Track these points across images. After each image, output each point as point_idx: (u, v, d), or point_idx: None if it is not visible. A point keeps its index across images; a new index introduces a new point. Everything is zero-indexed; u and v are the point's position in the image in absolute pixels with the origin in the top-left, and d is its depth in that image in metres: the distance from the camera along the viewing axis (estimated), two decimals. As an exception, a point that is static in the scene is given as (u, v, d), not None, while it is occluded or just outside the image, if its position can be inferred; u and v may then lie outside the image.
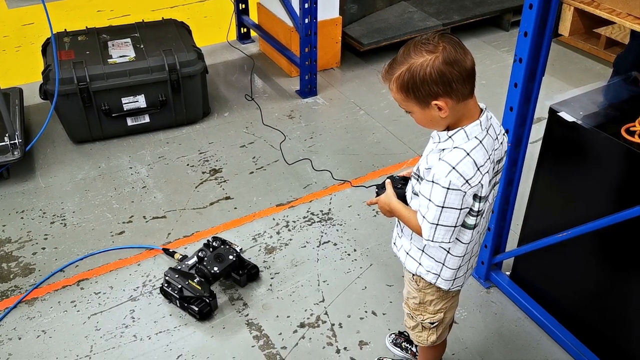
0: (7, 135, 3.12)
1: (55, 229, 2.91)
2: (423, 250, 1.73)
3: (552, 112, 2.05)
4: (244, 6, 4.62)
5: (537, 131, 2.33)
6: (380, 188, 1.78)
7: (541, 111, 2.22)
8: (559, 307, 2.33)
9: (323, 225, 2.92)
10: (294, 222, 2.94)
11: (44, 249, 2.80)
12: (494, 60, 4.39)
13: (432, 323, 1.86)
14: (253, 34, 4.74)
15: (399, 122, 3.69)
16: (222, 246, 2.56)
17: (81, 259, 2.74)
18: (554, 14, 1.93)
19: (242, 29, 4.72)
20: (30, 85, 3.82)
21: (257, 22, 4.55)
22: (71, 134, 3.51)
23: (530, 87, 2.07)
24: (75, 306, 2.51)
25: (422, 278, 1.77)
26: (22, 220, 2.96)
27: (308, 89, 3.96)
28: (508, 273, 2.52)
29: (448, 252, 1.68)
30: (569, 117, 1.99)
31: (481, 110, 1.57)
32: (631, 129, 1.89)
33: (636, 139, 1.85)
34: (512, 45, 4.74)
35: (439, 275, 1.74)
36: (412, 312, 1.89)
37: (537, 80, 2.07)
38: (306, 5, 3.63)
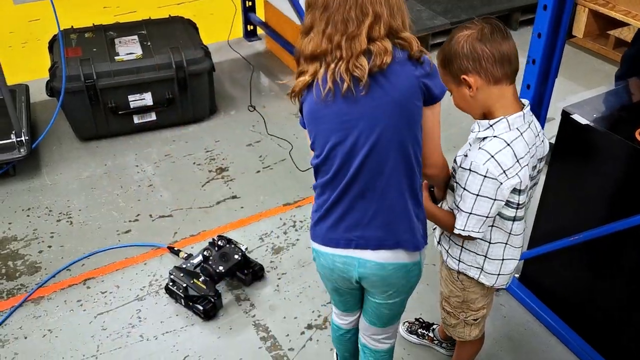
0: (13, 132, 3.11)
1: (62, 227, 2.90)
2: (462, 246, 1.75)
3: (565, 114, 2.03)
4: (250, 3, 4.59)
5: (548, 132, 2.30)
6: None
7: (552, 112, 2.20)
8: (568, 310, 2.31)
9: (330, 225, 2.89)
10: (301, 222, 2.93)
11: (50, 247, 2.79)
12: (502, 60, 4.35)
13: (475, 319, 1.87)
14: (260, 31, 4.72)
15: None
16: (227, 245, 2.54)
17: (87, 257, 2.73)
18: (568, 15, 1.91)
19: (248, 26, 4.69)
20: (37, 81, 3.81)
21: (264, 20, 4.53)
22: (77, 131, 3.50)
23: (543, 88, 2.05)
24: (81, 305, 2.50)
25: (466, 275, 1.78)
26: (28, 218, 2.95)
27: (315, 88, 3.94)
28: (517, 275, 2.50)
29: (489, 242, 1.68)
30: (582, 120, 1.97)
31: (523, 105, 1.60)
32: (645, 132, 1.86)
33: (650, 142, 1.83)
34: (521, 45, 4.69)
35: (482, 269, 1.74)
36: (454, 311, 1.90)
37: (550, 82, 2.05)
38: (314, 3, 3.60)
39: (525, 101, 1.63)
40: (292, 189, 3.14)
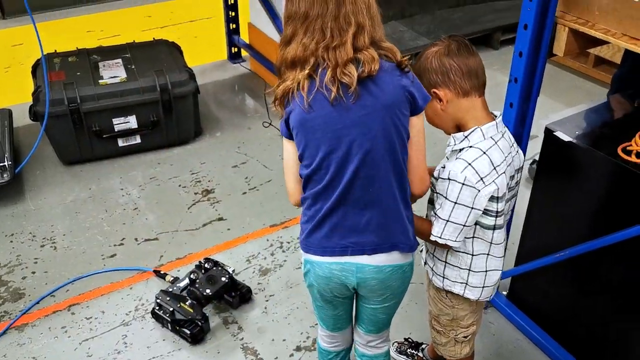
0: (-4, 157, 3.08)
1: (46, 253, 2.86)
2: (445, 261, 1.76)
3: (548, 132, 2.05)
4: (234, 26, 4.62)
5: (531, 149, 2.32)
6: None
7: (535, 130, 2.22)
8: (555, 327, 2.31)
9: (317, 245, 2.88)
10: (288, 243, 2.91)
11: (34, 273, 2.74)
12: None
13: (466, 337, 1.87)
14: (244, 53, 4.74)
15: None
16: (214, 268, 2.52)
17: (72, 283, 2.69)
18: (548, 34, 1.94)
19: (232, 48, 4.71)
20: (20, 106, 3.78)
21: (248, 42, 4.55)
22: (61, 155, 3.47)
23: (526, 106, 2.08)
24: (66, 332, 2.45)
25: (451, 292, 1.78)
26: (11, 244, 2.91)
27: (300, 108, 3.95)
28: (505, 293, 2.50)
29: (472, 254, 1.69)
30: (565, 137, 1.99)
31: (494, 116, 1.67)
32: (628, 148, 1.89)
33: (633, 159, 1.85)
34: (502, 64, 4.79)
35: (467, 284, 1.76)
36: (444, 329, 1.90)
37: (533, 100, 2.07)
38: (298, 25, 3.63)
39: (497, 112, 1.70)
40: (279, 210, 3.13)
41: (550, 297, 2.31)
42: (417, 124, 1.53)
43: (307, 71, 1.43)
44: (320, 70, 1.43)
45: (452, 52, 1.59)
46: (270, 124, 3.85)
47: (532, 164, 3.18)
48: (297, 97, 1.44)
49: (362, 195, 1.51)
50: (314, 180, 1.53)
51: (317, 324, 2.45)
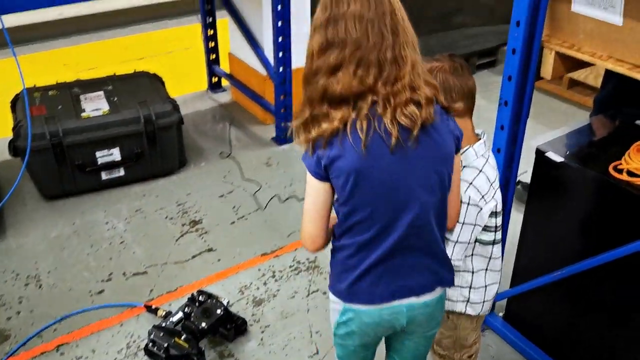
0: (-24, 194, 3.00)
1: (30, 291, 2.78)
2: None
3: (540, 153, 2.09)
4: (214, 56, 4.62)
5: (520, 169, 2.36)
6: None
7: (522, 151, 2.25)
8: (554, 346, 2.32)
9: (310, 273, 2.86)
10: (281, 271, 2.88)
11: (18, 313, 2.66)
12: (463, 102, 4.47)
13: (470, 356, 1.86)
14: (224, 83, 4.74)
15: (376, 166, 3.70)
16: (208, 300, 2.48)
17: (59, 322, 2.61)
18: (536, 58, 1.99)
19: (213, 78, 4.71)
20: (-2, 141, 3.71)
21: (228, 72, 4.56)
22: (42, 190, 3.40)
23: (516, 128, 2.11)
24: (55, 373, 2.38)
25: (454, 311, 1.79)
26: (-6, 284, 2.83)
27: (284, 136, 3.96)
28: (501, 314, 2.51)
29: (472, 272, 1.70)
30: (557, 158, 2.02)
31: (479, 136, 1.70)
32: (619, 166, 1.93)
33: (625, 177, 1.89)
34: (480, 86, 4.85)
35: (468, 301, 1.77)
36: (448, 352, 1.90)
37: (523, 122, 2.11)
38: (280, 54, 3.66)
39: (479, 131, 1.73)
40: (269, 238, 3.11)
41: (546, 317, 2.32)
42: (457, 161, 1.50)
43: (365, 111, 1.31)
44: (378, 109, 1.31)
45: (457, 72, 1.61)
46: (229, 155, 3.83)
47: (516, 184, 3.22)
48: (350, 140, 1.31)
49: (414, 243, 1.46)
50: (358, 228, 1.43)
51: (315, 354, 2.44)
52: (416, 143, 1.34)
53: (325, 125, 1.33)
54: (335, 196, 1.44)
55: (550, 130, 2.38)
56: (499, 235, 1.71)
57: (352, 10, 1.29)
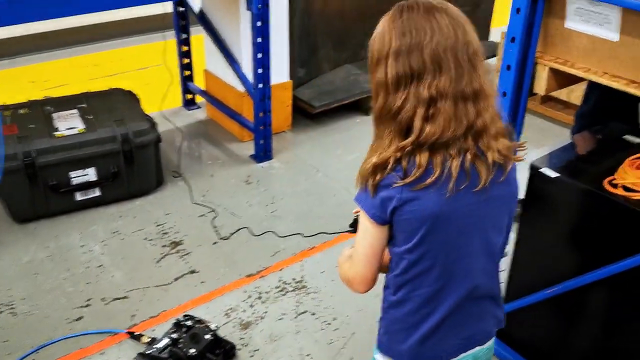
0: (-57, 218, 2.85)
1: (4, 320, 2.63)
2: None
3: (534, 169, 2.08)
4: (188, 73, 4.55)
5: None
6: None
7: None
8: (549, 363, 2.31)
9: (297, 294, 2.80)
10: (267, 293, 2.81)
11: (-8, 343, 2.52)
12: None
13: None
14: (199, 99, 4.66)
15: (358, 183, 3.67)
16: (196, 325, 2.39)
17: (36, 351, 2.48)
18: (529, 74, 1.99)
19: (187, 95, 4.63)
20: (-36, 162, 3.54)
21: (204, 89, 4.49)
22: (13, 212, 3.26)
23: (510, 145, 2.10)
24: (34, 407, 2.25)
25: None
26: (-36, 313, 2.67)
27: (263, 153, 3.90)
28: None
29: None
30: (552, 173, 2.02)
31: None
32: (613, 181, 1.93)
33: (620, 191, 1.89)
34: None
35: None
36: None
37: (517, 138, 2.10)
38: (260, 71, 3.61)
39: None
40: (252, 258, 3.03)
41: (540, 333, 2.30)
42: None
43: (453, 148, 1.19)
44: (466, 145, 1.20)
45: None
46: (180, 175, 3.73)
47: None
48: (433, 180, 1.18)
49: (482, 290, 1.36)
50: (424, 279, 1.30)
51: (311, 379, 2.37)
52: (498, 182, 1.25)
53: (403, 164, 1.20)
54: (396, 239, 1.29)
55: (532, 146, 2.38)
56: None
57: (438, 39, 1.18)
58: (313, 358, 2.46)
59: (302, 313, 2.69)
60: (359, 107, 4.56)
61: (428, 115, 1.18)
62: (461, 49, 1.19)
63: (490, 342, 1.47)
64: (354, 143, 4.12)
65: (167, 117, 4.40)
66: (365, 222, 1.28)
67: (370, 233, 1.29)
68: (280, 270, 2.95)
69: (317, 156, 4.00)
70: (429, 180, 1.19)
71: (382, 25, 1.23)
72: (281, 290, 2.82)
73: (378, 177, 1.21)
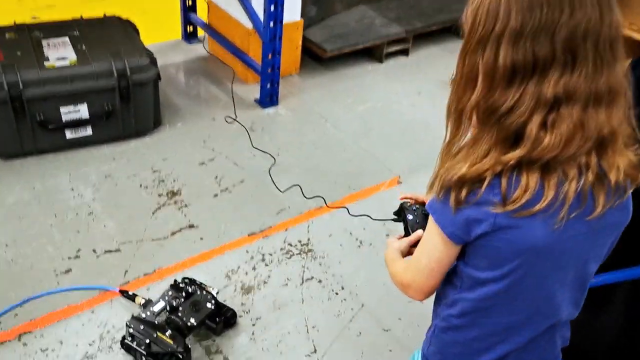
0: None
1: (-15, 268, 2.43)
2: None
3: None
4: (190, 3, 4.19)
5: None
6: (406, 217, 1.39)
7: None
8: None
9: (303, 258, 2.62)
10: (271, 254, 2.62)
11: (-28, 294, 2.32)
12: (457, 71, 4.22)
13: None
14: (200, 32, 4.33)
15: (369, 137, 3.44)
16: (197, 292, 2.20)
17: (20, 305, 2.29)
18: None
19: (188, 27, 4.29)
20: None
21: (206, 21, 4.14)
22: (-2, 147, 3.00)
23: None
24: (18, 369, 2.08)
25: None
26: (-59, 258, 2.46)
27: (269, 99, 3.63)
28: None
29: None
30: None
31: None
32: None
33: None
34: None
35: None
36: None
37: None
38: (272, 8, 3.29)
39: None
40: (256, 215, 2.83)
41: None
42: None
43: (574, 166, 0.93)
44: (589, 161, 0.94)
45: None
46: (234, 119, 3.49)
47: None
48: (544, 206, 0.93)
49: (563, 321, 1.17)
50: (502, 310, 1.09)
51: (313, 352, 2.21)
52: (615, 207, 1.00)
53: (503, 182, 0.93)
54: (473, 261, 1.07)
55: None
56: None
57: (578, 19, 0.88)
58: (319, 331, 2.30)
59: (308, 280, 2.51)
60: (372, 53, 4.26)
61: (547, 121, 0.90)
62: (605, 32, 0.90)
63: None
64: (365, 92, 3.86)
65: (164, 50, 4.07)
66: (436, 237, 1.05)
67: (440, 250, 1.07)
68: (286, 230, 2.75)
69: (326, 105, 3.73)
70: (536, 208, 0.93)
71: None
72: (286, 253, 2.63)
73: (465, 192, 0.96)
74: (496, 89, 0.92)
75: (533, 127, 0.90)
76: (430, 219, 1.05)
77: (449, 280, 1.13)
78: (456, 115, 1.01)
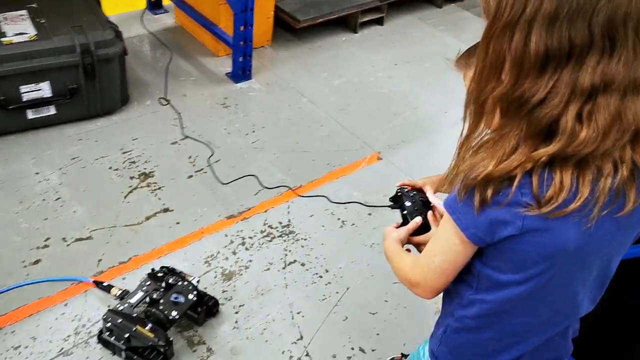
0: None
1: (-53, 261, 2.29)
2: None
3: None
4: (155, -30, 3.98)
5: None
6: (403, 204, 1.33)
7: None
8: None
9: (285, 241, 2.54)
10: (251, 238, 2.53)
11: None
12: (433, 41, 4.14)
13: None
14: (166, 1, 4.12)
15: (347, 112, 3.35)
16: (178, 283, 2.10)
17: (-13, 300, 2.17)
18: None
19: (153, -4, 4.09)
20: None
21: (172, -10, 3.95)
22: (-47, 130, 2.81)
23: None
24: (-12, 370, 1.96)
25: None
26: None
27: (242, 73, 3.49)
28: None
29: None
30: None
31: None
32: None
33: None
34: (448, 24, 4.56)
35: None
36: None
37: None
38: (243, -23, 3.13)
39: None
40: (233, 197, 2.72)
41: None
42: None
43: (608, 164, 0.85)
44: (623, 157, 0.87)
45: None
46: (168, 102, 3.30)
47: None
48: (576, 206, 0.85)
49: (580, 317, 1.13)
50: (522, 312, 1.03)
51: (299, 340, 2.15)
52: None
53: (534, 181, 0.84)
54: (493, 263, 1.00)
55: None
56: None
57: (618, 1, 0.78)
58: (304, 316, 2.24)
59: (291, 263, 2.44)
60: (346, 23, 4.13)
61: (582, 113, 0.82)
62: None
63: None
64: (341, 65, 3.75)
65: (127, 22, 3.87)
66: (453, 238, 0.97)
67: (456, 251, 0.99)
68: (265, 211, 2.66)
69: (301, 78, 3.61)
70: (571, 207, 0.84)
71: None
72: (266, 236, 2.55)
73: (491, 192, 0.87)
74: (526, 78, 0.83)
75: (568, 119, 0.82)
76: (446, 216, 0.97)
77: (463, 278, 1.06)
78: (477, 107, 0.91)
